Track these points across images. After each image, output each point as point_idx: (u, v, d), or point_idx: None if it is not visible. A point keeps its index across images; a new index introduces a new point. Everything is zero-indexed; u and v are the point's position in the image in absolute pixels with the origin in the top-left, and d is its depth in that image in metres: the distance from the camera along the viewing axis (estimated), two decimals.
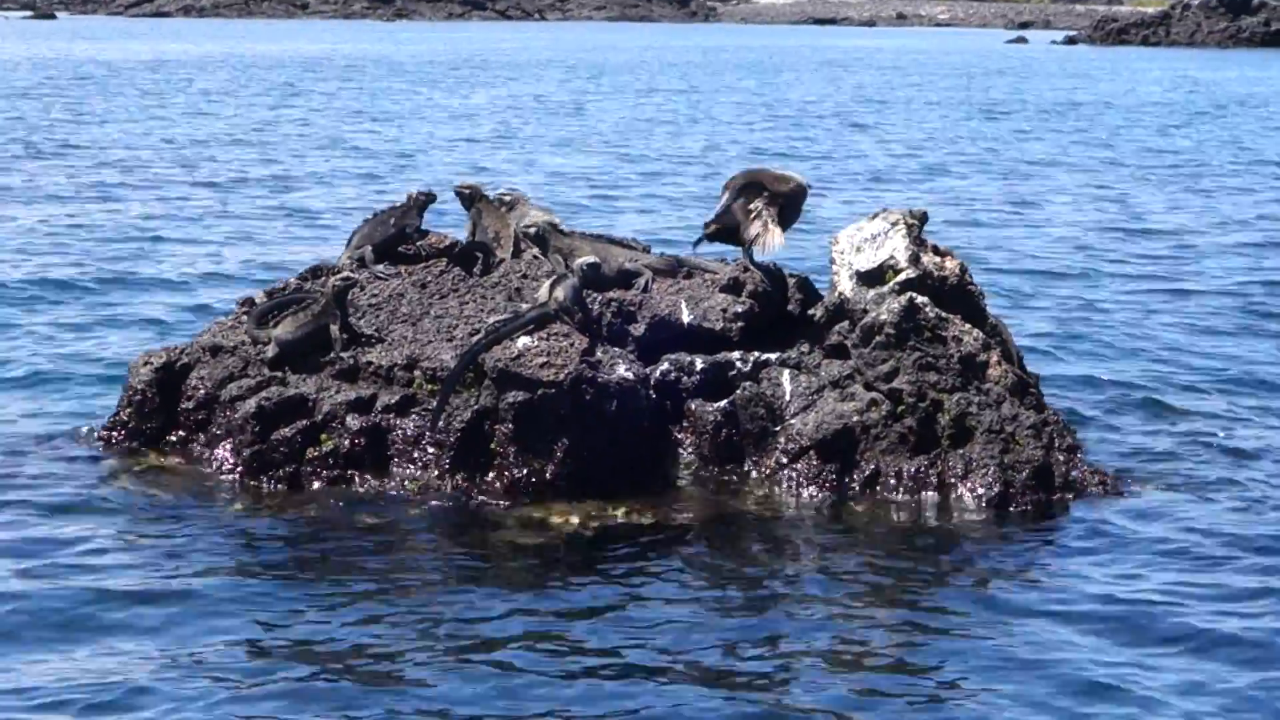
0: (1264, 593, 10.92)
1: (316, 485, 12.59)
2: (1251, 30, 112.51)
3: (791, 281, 13.75)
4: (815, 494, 12.48)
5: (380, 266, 14.08)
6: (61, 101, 48.71)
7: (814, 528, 12.05)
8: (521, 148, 38.82)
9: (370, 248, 14.17)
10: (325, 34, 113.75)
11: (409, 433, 12.68)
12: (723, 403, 12.83)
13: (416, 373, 12.82)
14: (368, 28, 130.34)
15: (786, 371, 13.01)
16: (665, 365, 12.97)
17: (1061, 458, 12.75)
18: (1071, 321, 19.57)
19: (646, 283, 13.44)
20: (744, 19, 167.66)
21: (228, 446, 12.96)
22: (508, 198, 14.47)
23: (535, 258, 13.84)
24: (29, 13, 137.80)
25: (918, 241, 13.44)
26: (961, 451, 12.50)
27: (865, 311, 13.02)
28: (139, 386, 13.40)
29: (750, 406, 12.79)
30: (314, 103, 51.90)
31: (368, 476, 12.62)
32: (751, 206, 13.55)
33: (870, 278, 13.26)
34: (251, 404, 12.89)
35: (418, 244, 14.39)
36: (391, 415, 12.74)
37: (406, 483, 12.53)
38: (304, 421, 12.80)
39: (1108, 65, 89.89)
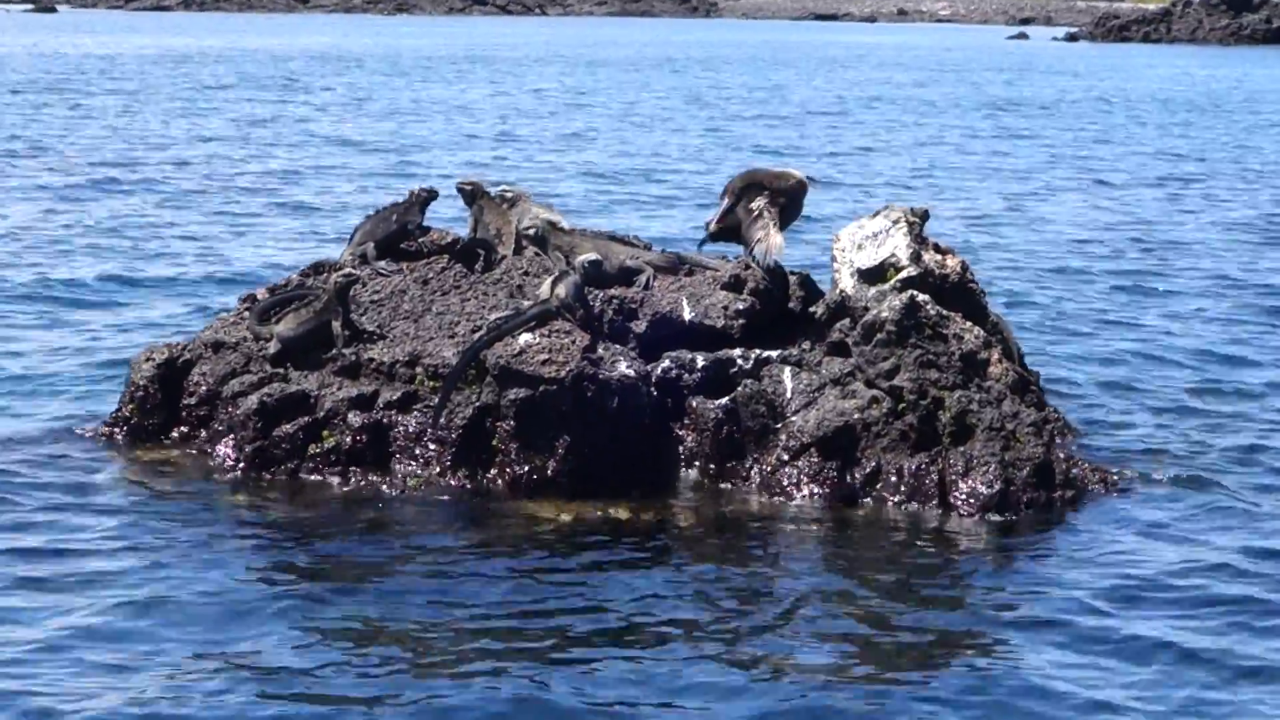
0: (1267, 592, 10.93)
1: (318, 481, 12.61)
2: (1253, 27, 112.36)
3: (793, 279, 13.77)
4: (816, 491, 12.50)
5: (382, 263, 14.09)
6: (59, 96, 48.67)
7: (815, 525, 12.07)
8: (523, 144, 38.81)
9: (372, 244, 14.19)
10: (326, 28, 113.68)
11: (411, 429, 12.70)
12: (724, 400, 12.85)
13: (418, 369, 12.84)
14: (369, 22, 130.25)
15: (788, 369, 13.03)
16: (666, 362, 12.98)
17: (1062, 455, 12.77)
18: (1071, 319, 19.58)
19: (648, 280, 13.45)
20: (745, 14, 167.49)
21: (230, 443, 12.99)
22: (509, 194, 14.47)
23: (536, 254, 13.85)
24: (30, 6, 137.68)
25: (919, 239, 13.46)
26: (962, 449, 12.52)
27: (866, 309, 13.03)
28: (141, 383, 13.42)
29: (751, 404, 12.81)
30: (315, 98, 51.87)
31: (369, 473, 12.65)
32: (753, 206, 13.57)
33: (871, 275, 13.28)
34: (253, 400, 12.92)
35: (419, 241, 14.40)
36: (393, 412, 12.76)
37: (408, 479, 12.55)
38: (306, 418, 12.83)
39: (1108, 62, 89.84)
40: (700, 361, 13.01)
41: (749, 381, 12.91)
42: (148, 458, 13.09)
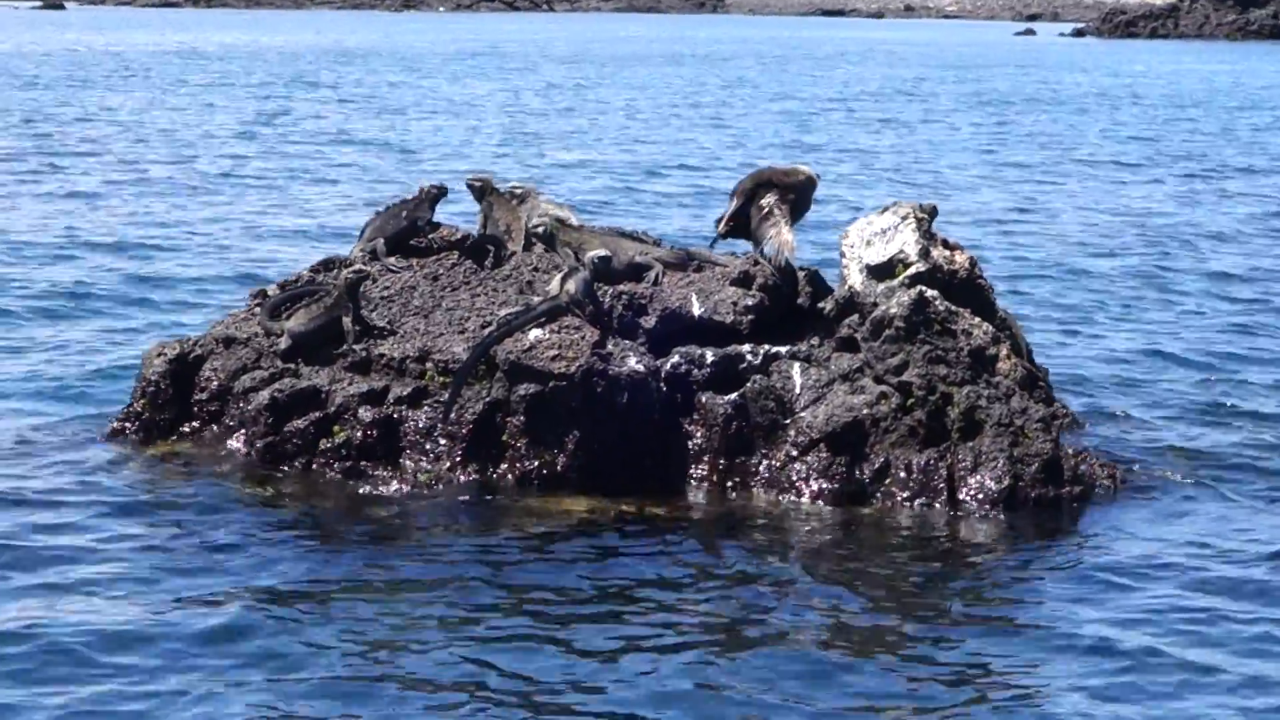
0: (1275, 587, 10.96)
1: (329, 477, 12.64)
2: (1261, 23, 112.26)
3: (801, 275, 13.79)
4: (825, 486, 12.52)
5: (392, 259, 14.12)
6: (66, 94, 48.72)
7: (823, 520, 12.10)
8: (531, 140, 38.83)
9: (382, 240, 14.22)
10: (334, 25, 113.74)
11: (421, 424, 12.74)
12: (733, 395, 12.87)
13: (428, 365, 12.87)
14: (376, 19, 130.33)
15: (796, 364, 13.06)
16: (676, 358, 13.01)
17: (1070, 451, 12.80)
18: (1080, 315, 19.61)
19: (657, 276, 13.48)
20: (752, 10, 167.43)
21: (241, 438, 13.04)
22: (519, 191, 14.51)
23: (547, 250, 13.88)
24: (38, 3, 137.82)
25: (927, 235, 13.48)
26: (971, 444, 12.54)
27: (875, 305, 13.06)
28: (153, 378, 13.45)
29: (760, 399, 12.84)
30: (322, 95, 51.92)
31: (380, 468, 12.68)
32: (763, 203, 13.61)
33: (880, 271, 13.30)
34: (264, 395, 12.96)
35: (429, 237, 14.43)
36: (404, 407, 12.80)
37: (418, 474, 12.59)
38: (317, 413, 12.87)
39: (1115, 58, 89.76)
40: (709, 357, 13.03)
41: (758, 377, 12.94)
42: (159, 453, 13.13)
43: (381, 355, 12.99)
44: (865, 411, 12.67)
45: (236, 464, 12.85)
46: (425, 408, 12.77)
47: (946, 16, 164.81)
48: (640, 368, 12.70)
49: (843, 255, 13.57)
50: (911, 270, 13.25)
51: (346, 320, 13.09)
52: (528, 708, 8.96)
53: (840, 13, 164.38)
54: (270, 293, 13.98)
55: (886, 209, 13.71)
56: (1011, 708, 9.13)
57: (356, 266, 13.51)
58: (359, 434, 12.74)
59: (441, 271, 13.92)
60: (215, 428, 13.30)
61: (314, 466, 12.74)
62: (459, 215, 15.88)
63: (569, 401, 12.41)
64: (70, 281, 20.02)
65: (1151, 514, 12.35)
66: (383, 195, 24.54)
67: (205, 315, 17.63)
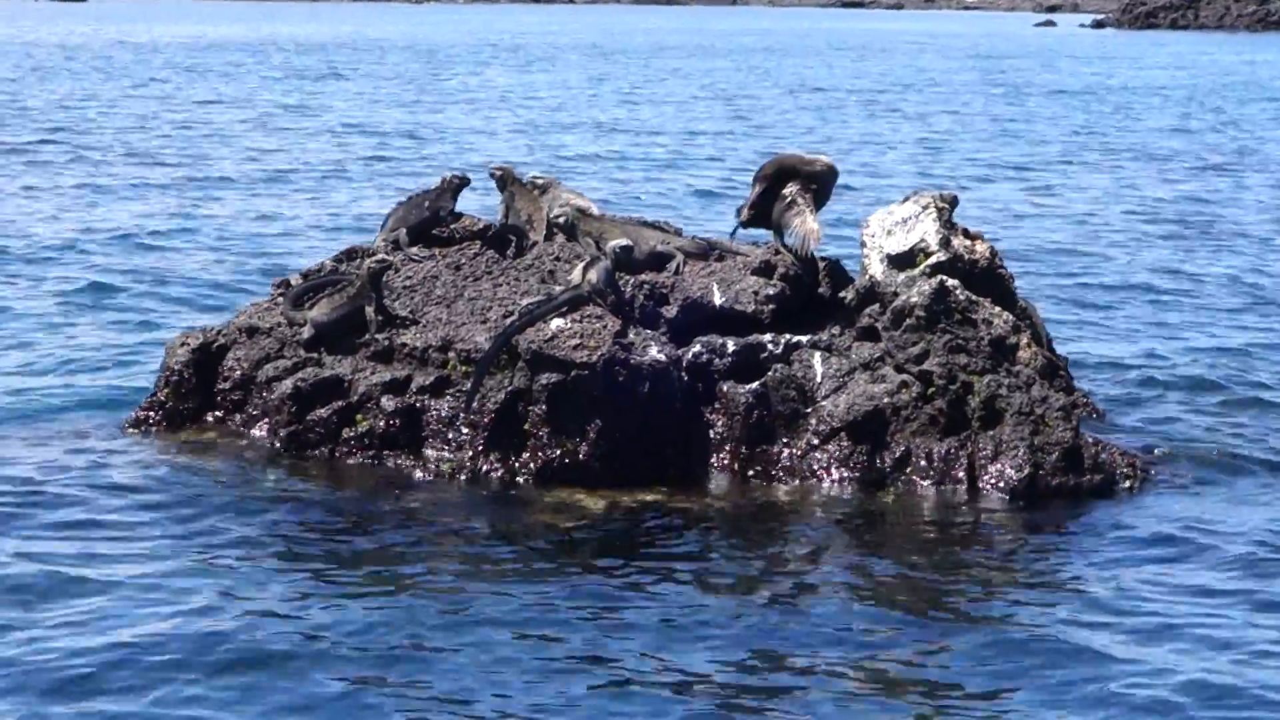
0: None
1: (352, 465, 12.70)
2: None
3: (822, 265, 13.81)
4: (846, 475, 12.55)
5: (414, 249, 14.16)
6: (87, 87, 48.81)
7: (844, 509, 12.12)
8: (553, 131, 38.86)
9: (405, 230, 14.26)
10: (353, 17, 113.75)
11: (443, 414, 12.78)
12: (754, 385, 12.89)
13: (451, 354, 12.91)
14: (396, 10, 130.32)
15: (818, 354, 13.08)
16: (697, 347, 13.04)
17: (1090, 440, 12.81)
18: (1100, 304, 19.60)
19: (678, 265, 13.51)
20: (772, 2, 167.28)
21: (264, 427, 13.10)
22: (540, 181, 14.55)
23: (568, 240, 13.91)
24: None
25: (948, 225, 13.50)
26: (991, 433, 12.56)
27: (896, 294, 13.08)
28: (176, 367, 13.51)
29: (781, 388, 12.86)
30: (344, 86, 51.97)
31: (402, 457, 12.73)
32: (785, 192, 13.64)
33: (901, 261, 13.33)
34: (288, 385, 13.02)
35: (451, 227, 14.47)
36: (426, 396, 12.84)
37: (441, 463, 12.63)
38: (339, 402, 12.92)
39: (1136, 49, 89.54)
40: (731, 346, 13.06)
41: (779, 366, 12.97)
42: (182, 442, 13.18)
43: (404, 345, 13.04)
44: (886, 400, 12.70)
45: (259, 453, 12.91)
46: (447, 397, 12.81)
47: (966, 8, 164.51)
48: (662, 357, 12.73)
49: (863, 245, 13.59)
50: (932, 260, 13.27)
51: (369, 310, 13.13)
52: (548, 697, 8.97)
53: (860, 4, 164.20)
54: (293, 282, 14.03)
55: (907, 199, 13.74)
56: (1025, 695, 9.14)
57: (379, 256, 13.55)
58: (382, 423, 12.79)
59: (464, 261, 13.96)
60: (238, 417, 13.36)
61: (337, 455, 12.80)
62: (481, 206, 15.91)
63: (591, 391, 12.44)
64: (92, 272, 20.10)
65: (1172, 502, 12.35)
66: (405, 186, 24.60)
67: (228, 303, 17.69)
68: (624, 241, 13.31)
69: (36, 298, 18.68)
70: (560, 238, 13.95)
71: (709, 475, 12.70)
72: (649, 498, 12.16)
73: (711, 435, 12.91)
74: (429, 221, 14.39)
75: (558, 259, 13.74)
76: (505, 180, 14.40)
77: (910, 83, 60.21)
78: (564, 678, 9.16)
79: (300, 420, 12.90)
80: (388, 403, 12.82)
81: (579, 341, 12.53)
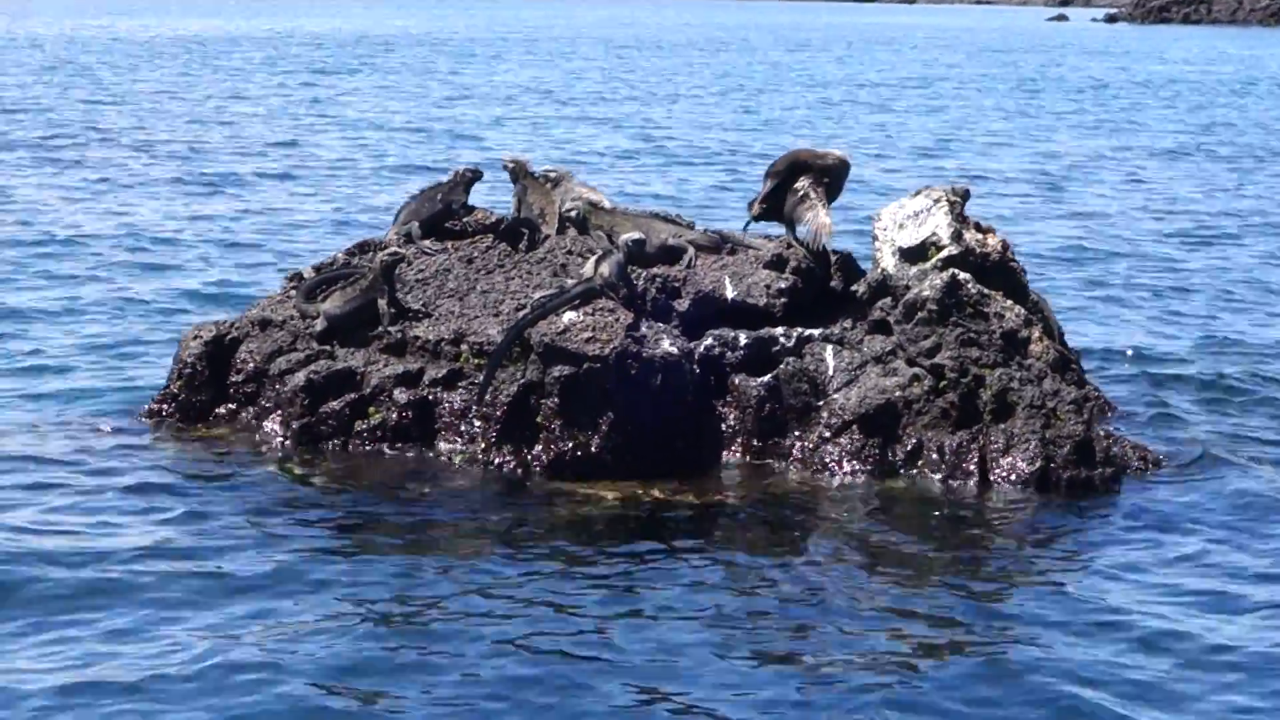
0: None
1: (364, 458, 12.72)
2: None
3: (834, 258, 13.83)
4: (857, 468, 12.57)
5: (427, 242, 14.19)
6: (88, 80, 48.85)
7: (856, 502, 12.14)
8: (565, 124, 38.87)
9: (417, 223, 14.28)
10: (366, 10, 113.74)
11: (456, 406, 12.81)
12: (766, 378, 12.92)
13: (463, 347, 12.94)
14: (409, 3, 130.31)
15: (829, 347, 13.10)
16: (709, 340, 13.06)
17: (1102, 433, 12.82)
18: (1112, 298, 19.60)
19: (690, 259, 13.53)
20: None
21: (277, 419, 13.13)
22: (553, 174, 14.56)
23: (580, 234, 13.92)
24: None
25: (960, 218, 13.51)
26: (1003, 427, 12.57)
27: (908, 288, 13.10)
28: (189, 360, 13.53)
29: (793, 381, 12.89)
30: (355, 80, 52.00)
31: (415, 449, 12.76)
32: (798, 186, 13.66)
33: (913, 254, 13.34)
34: (300, 377, 13.05)
35: (464, 220, 14.49)
36: (439, 389, 12.87)
37: (453, 456, 12.66)
38: (352, 395, 12.95)
39: (1148, 43, 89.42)
40: (743, 339, 13.08)
41: (791, 359, 12.99)
42: (195, 434, 13.21)
43: (416, 337, 13.07)
44: (898, 394, 12.72)
45: (272, 445, 12.94)
46: (460, 390, 12.84)
47: (979, 2, 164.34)
48: (674, 350, 12.75)
49: (875, 238, 13.60)
50: (944, 253, 13.28)
51: (382, 303, 13.16)
52: (561, 689, 8.99)
53: None
54: (306, 275, 14.05)
55: (919, 192, 13.75)
56: (1036, 686, 9.15)
57: (392, 249, 13.58)
58: (394, 416, 12.82)
59: (476, 254, 13.98)
60: (251, 409, 13.38)
61: (349, 448, 12.83)
62: (493, 199, 15.93)
63: (603, 383, 12.46)
64: (105, 265, 20.14)
65: (1184, 496, 12.35)
66: (417, 179, 24.63)
67: (242, 296, 17.72)
68: (636, 235, 13.33)
69: (49, 290, 18.72)
70: (572, 231, 13.97)
71: (721, 468, 12.72)
72: (661, 490, 12.18)
73: (723, 428, 12.93)
74: (441, 215, 14.41)
75: (570, 252, 13.76)
76: (518, 173, 14.42)
77: (921, 76, 60.14)
78: (576, 666, 9.18)
79: (313, 413, 12.93)
80: (400, 395, 12.85)
81: (591, 334, 12.56)
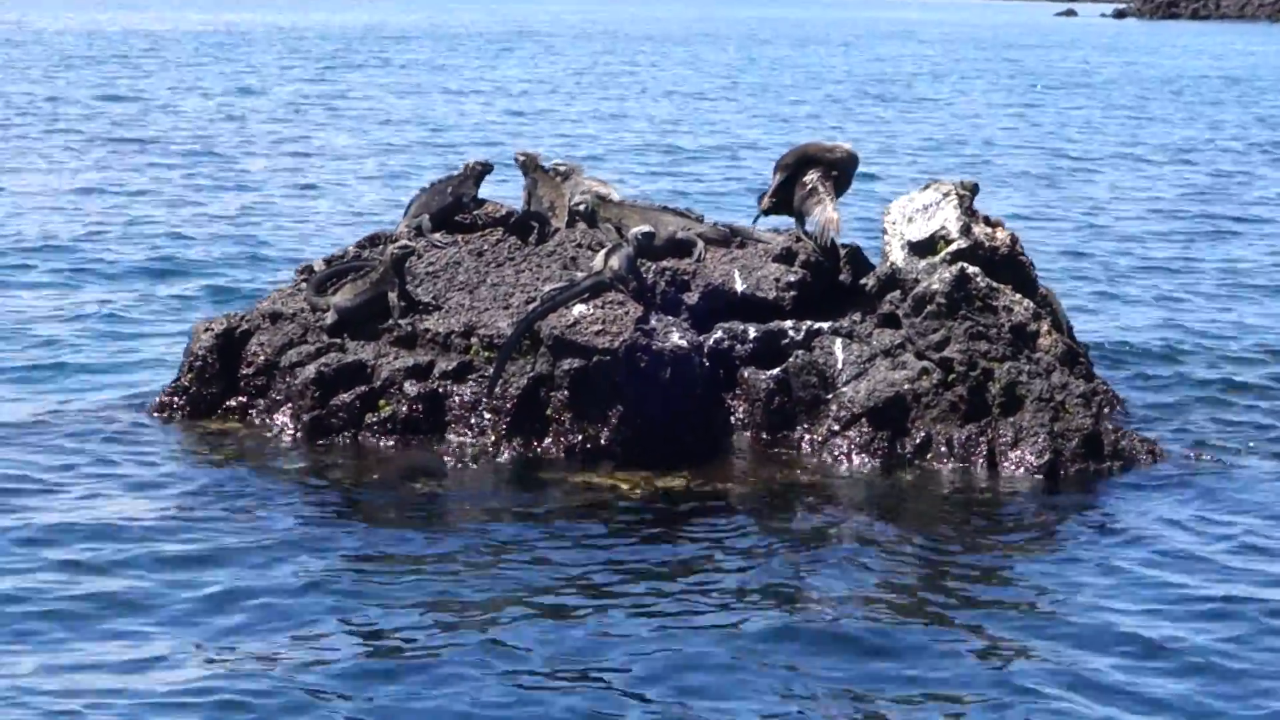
0: None
1: (375, 450, 12.75)
2: None
3: (843, 252, 13.86)
4: (866, 461, 12.60)
5: (437, 235, 14.21)
6: (101, 74, 48.88)
7: (865, 495, 12.16)
8: (575, 119, 38.88)
9: (427, 216, 14.30)
10: (374, 4, 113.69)
11: (466, 399, 12.84)
12: (775, 371, 12.96)
13: (473, 340, 12.97)
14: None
15: (839, 340, 13.13)
16: (718, 333, 13.10)
17: (1111, 427, 12.84)
18: (1121, 292, 19.61)
19: (700, 252, 13.56)
20: None
21: (287, 412, 13.15)
22: (563, 168, 14.59)
23: (589, 227, 13.95)
24: None
25: (969, 212, 13.55)
26: (1012, 420, 12.60)
27: (917, 281, 13.13)
28: (200, 352, 13.55)
29: (802, 374, 12.92)
30: (364, 75, 52.01)
31: (425, 442, 12.78)
32: (806, 180, 13.69)
33: (921, 248, 13.38)
34: (311, 370, 13.07)
35: (474, 213, 14.51)
36: (449, 381, 12.90)
37: (464, 448, 12.69)
38: (363, 387, 12.98)
39: (1156, 38, 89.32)
40: (752, 332, 13.12)
41: (800, 352, 13.02)
42: (205, 427, 13.23)
43: (427, 330, 13.10)
44: (907, 387, 12.75)
45: (283, 438, 12.96)
46: (470, 382, 12.87)
47: None
48: (683, 343, 12.78)
49: (884, 232, 13.64)
50: (953, 247, 13.32)
51: (392, 295, 13.19)
52: (570, 680, 9.00)
53: None
54: (316, 268, 14.08)
55: (928, 186, 13.79)
56: (1043, 681, 9.15)
57: (402, 242, 13.61)
58: (404, 408, 12.85)
59: (486, 247, 14.00)
60: (262, 402, 13.40)
61: (359, 440, 12.86)
62: (504, 192, 15.95)
63: (612, 376, 12.49)
64: (114, 260, 20.16)
65: (1192, 490, 12.35)
66: (428, 172, 24.64)
67: (251, 290, 17.76)
68: (646, 228, 13.36)
69: (59, 285, 18.75)
70: (582, 224, 14.00)
71: (730, 460, 12.74)
72: (670, 482, 12.20)
73: (732, 421, 12.97)
74: (452, 208, 14.43)
75: (580, 245, 13.79)
76: (528, 166, 14.46)
77: (929, 72, 60.11)
78: (587, 657, 9.20)
79: (323, 405, 12.96)
80: (410, 388, 12.88)
81: (601, 327, 12.59)
